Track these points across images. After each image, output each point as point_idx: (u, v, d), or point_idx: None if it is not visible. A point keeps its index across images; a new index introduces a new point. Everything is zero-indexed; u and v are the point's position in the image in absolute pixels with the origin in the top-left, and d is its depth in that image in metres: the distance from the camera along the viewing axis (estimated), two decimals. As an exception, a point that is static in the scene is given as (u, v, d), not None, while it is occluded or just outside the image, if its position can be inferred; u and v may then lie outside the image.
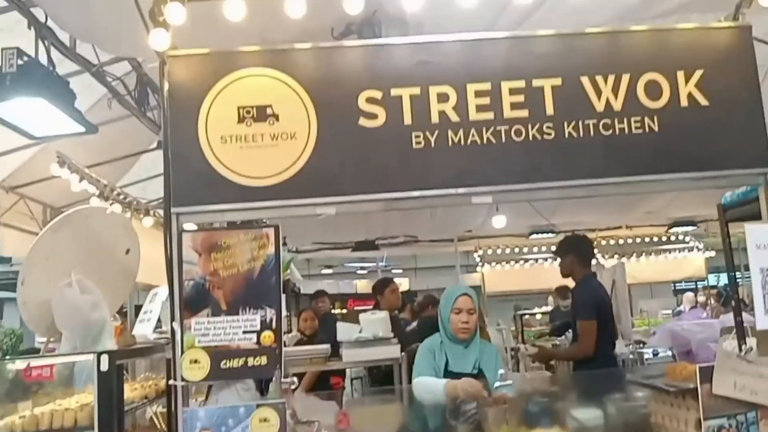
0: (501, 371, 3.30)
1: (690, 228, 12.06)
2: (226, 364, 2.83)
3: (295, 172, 2.93)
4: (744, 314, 3.78)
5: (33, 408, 3.49)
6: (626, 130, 2.99)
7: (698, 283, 14.74)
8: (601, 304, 4.50)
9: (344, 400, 6.53)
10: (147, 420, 4.38)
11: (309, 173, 2.93)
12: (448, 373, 3.38)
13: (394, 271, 18.15)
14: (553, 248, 12.75)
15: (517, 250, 12.80)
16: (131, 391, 4.00)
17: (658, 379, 3.37)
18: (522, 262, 13.09)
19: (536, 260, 13.04)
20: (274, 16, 3.05)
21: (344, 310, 19.91)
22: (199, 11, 2.93)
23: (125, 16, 3.29)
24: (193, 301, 2.88)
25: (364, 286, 18.19)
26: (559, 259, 4.82)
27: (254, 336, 2.86)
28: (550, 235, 11.94)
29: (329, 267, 17.86)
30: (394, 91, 2.97)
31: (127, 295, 4.80)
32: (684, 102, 3.02)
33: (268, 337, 2.86)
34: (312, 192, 2.94)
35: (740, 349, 3.12)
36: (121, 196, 6.98)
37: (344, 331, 5.38)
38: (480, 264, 13.05)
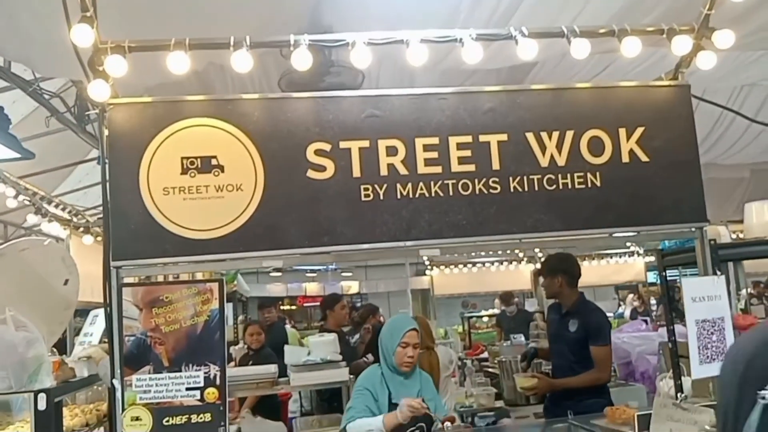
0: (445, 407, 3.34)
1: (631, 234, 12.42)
2: (168, 421, 2.80)
3: (240, 224, 2.87)
4: (678, 327, 3.88)
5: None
6: (569, 185, 3.05)
7: (639, 285, 15.17)
8: (610, 327, 4.38)
9: (290, 415, 6.52)
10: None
11: (255, 225, 2.88)
12: (393, 406, 3.37)
13: (343, 274, 18.08)
14: (500, 253, 12.49)
15: (465, 253, 12.92)
16: (71, 418, 3.85)
17: (598, 419, 3.47)
18: (470, 265, 13.23)
19: (483, 264, 13.21)
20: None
21: (293, 307, 19.80)
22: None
23: (63, 43, 3.15)
24: (134, 357, 2.82)
25: (313, 288, 18.12)
26: (542, 279, 4.51)
27: (198, 393, 2.82)
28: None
29: (278, 270, 17.64)
30: (343, 144, 2.95)
31: (65, 327, 4.64)
32: (625, 158, 3.09)
33: (212, 393, 2.82)
34: (258, 245, 2.89)
35: (676, 396, 3.25)
36: (60, 207, 6.72)
37: (292, 354, 5.33)
38: (429, 267, 13.14)
